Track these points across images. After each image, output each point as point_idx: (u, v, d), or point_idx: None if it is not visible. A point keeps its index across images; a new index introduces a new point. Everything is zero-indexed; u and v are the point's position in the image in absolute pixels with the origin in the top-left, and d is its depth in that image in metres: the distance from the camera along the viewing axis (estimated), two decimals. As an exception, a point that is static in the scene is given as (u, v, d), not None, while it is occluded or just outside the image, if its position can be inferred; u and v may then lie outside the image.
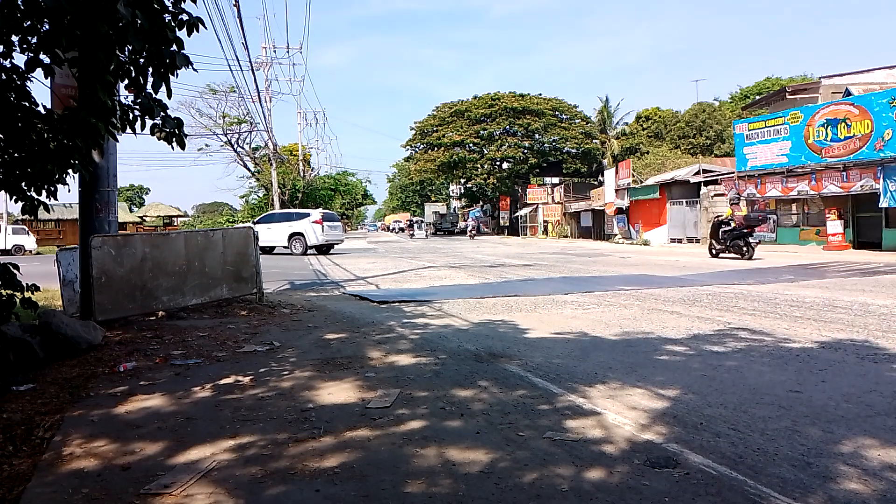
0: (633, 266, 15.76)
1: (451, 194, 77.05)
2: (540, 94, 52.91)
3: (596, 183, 45.27)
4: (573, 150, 51.15)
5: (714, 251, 17.66)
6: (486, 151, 51.81)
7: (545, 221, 46.86)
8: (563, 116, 52.31)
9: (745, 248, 16.58)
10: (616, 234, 34.98)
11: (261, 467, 2.93)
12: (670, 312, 7.64)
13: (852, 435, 3.25)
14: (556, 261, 18.27)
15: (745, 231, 16.70)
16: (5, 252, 30.62)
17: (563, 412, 3.70)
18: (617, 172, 35.24)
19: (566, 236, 42.09)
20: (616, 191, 34.62)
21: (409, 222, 63.86)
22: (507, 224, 54.20)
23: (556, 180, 51.31)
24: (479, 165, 53.26)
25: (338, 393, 4.19)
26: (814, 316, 7.19)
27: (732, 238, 16.98)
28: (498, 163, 53.11)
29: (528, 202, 48.93)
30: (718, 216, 18.93)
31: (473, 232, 47.45)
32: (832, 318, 7.04)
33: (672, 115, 51.28)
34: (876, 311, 7.46)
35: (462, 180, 59.36)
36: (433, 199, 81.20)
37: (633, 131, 51.17)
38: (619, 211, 34.56)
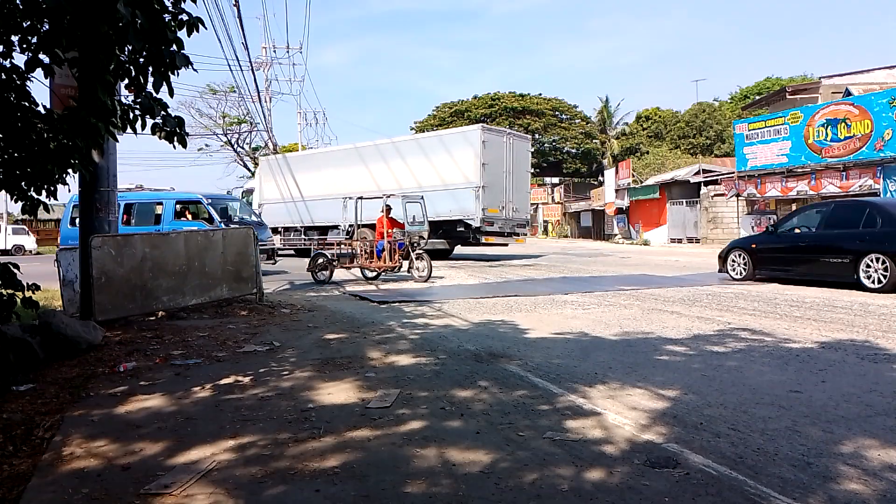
0: (632, 266, 15.76)
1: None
2: (540, 94, 52.90)
3: (596, 183, 45.29)
4: (573, 150, 51.10)
5: None
6: (486, 151, 51.75)
7: (545, 221, 46.84)
8: (563, 116, 52.27)
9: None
10: (616, 234, 34.99)
11: (261, 467, 2.93)
12: (670, 312, 7.64)
13: (852, 435, 3.25)
14: (556, 261, 18.28)
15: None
16: (5, 252, 30.62)
17: (563, 412, 3.70)
18: (617, 172, 35.26)
19: (566, 236, 42.08)
20: (616, 191, 34.63)
21: None
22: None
23: (556, 180, 51.31)
24: (479, 165, 53.19)
25: (338, 393, 4.19)
26: (814, 316, 7.19)
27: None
28: (498, 163, 53.08)
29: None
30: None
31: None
32: (832, 318, 7.04)
33: (672, 115, 51.20)
34: (876, 311, 7.46)
35: (462, 180, 59.27)
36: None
37: (633, 131, 51.11)
38: (619, 211, 34.57)
